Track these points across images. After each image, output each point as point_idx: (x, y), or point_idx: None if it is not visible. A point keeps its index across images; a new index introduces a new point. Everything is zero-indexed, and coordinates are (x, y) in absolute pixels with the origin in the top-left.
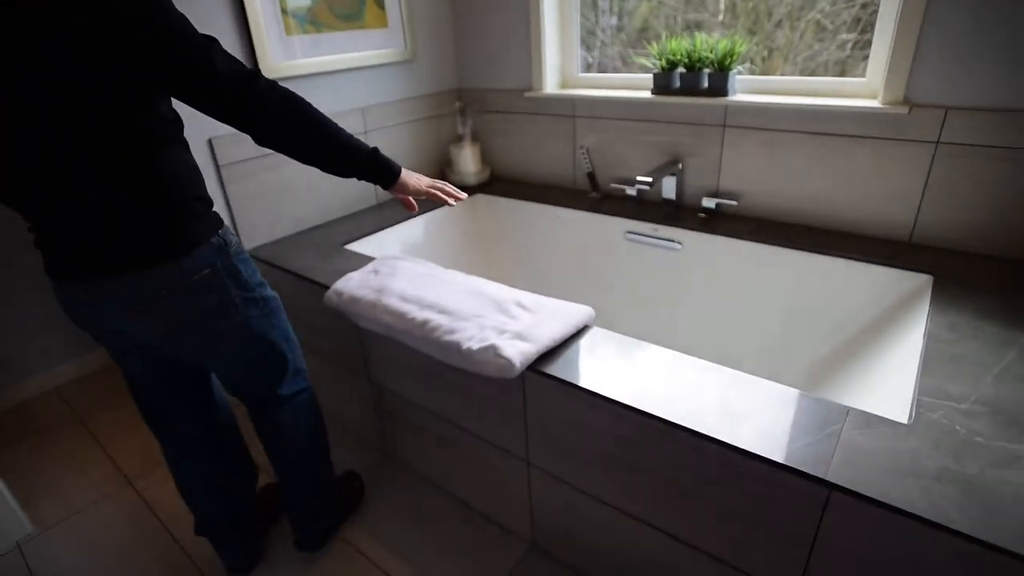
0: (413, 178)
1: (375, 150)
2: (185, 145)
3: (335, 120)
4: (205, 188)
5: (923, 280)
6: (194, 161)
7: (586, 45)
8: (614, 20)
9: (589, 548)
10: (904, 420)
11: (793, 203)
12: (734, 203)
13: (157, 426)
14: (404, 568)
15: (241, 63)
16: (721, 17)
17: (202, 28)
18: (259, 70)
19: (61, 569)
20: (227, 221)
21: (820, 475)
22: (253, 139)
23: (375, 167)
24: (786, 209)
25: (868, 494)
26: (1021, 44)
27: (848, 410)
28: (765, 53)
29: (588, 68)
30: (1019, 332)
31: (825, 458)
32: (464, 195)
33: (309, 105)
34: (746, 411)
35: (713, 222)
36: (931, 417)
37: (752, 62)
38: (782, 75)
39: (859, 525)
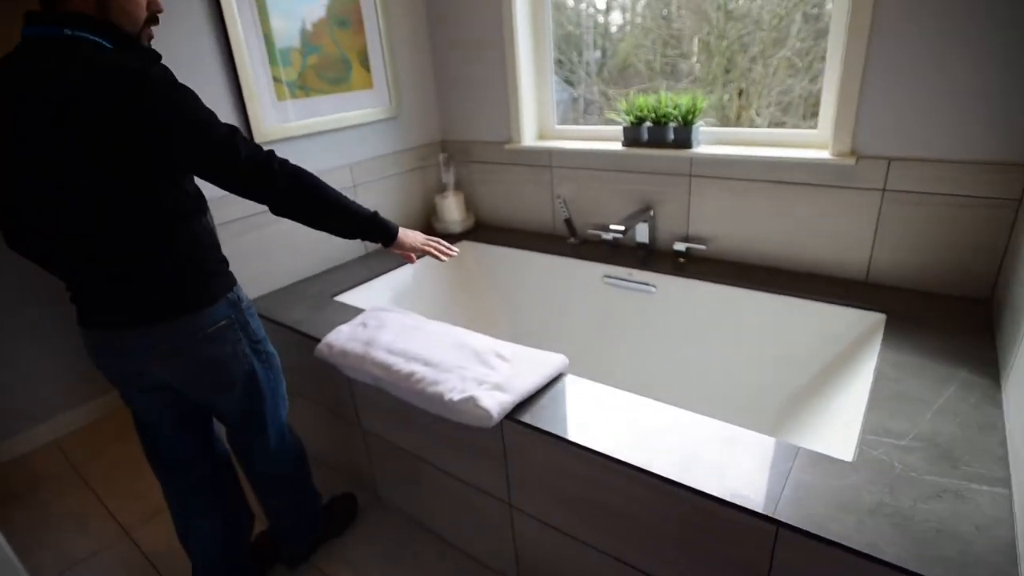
0: (409, 236)
1: (375, 214)
2: (206, 213)
3: (325, 177)
4: (221, 250)
5: (877, 319)
6: (212, 227)
7: (570, 82)
8: (597, 54)
9: None
10: (848, 458)
11: (757, 246)
12: (703, 247)
13: (163, 463)
14: None
15: (259, 147)
16: (695, 58)
17: (199, 95)
18: (273, 151)
19: None
20: None
21: (769, 513)
22: (270, 211)
23: (375, 228)
24: (751, 252)
25: (808, 529)
26: (953, 101)
27: (798, 450)
28: (743, 85)
29: (574, 102)
30: (959, 368)
31: (775, 496)
32: (456, 251)
33: (316, 179)
34: (707, 453)
35: (685, 265)
36: (872, 454)
37: (729, 96)
38: (756, 110)
39: (805, 559)
